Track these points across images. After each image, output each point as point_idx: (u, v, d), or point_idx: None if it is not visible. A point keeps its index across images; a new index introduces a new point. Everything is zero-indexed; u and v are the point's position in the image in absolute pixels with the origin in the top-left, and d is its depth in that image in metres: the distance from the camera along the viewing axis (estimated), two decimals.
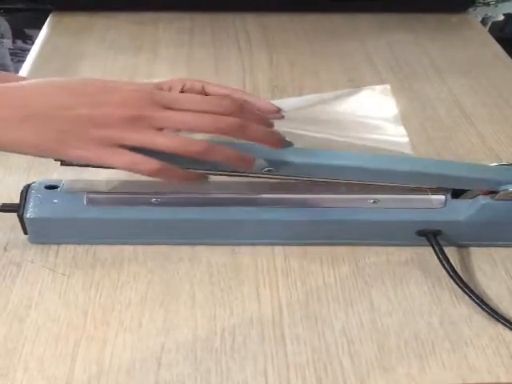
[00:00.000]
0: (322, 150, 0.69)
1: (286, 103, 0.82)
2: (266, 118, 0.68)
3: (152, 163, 0.59)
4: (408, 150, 0.71)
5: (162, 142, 0.59)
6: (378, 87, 0.83)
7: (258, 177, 0.67)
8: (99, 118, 0.58)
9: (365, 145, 0.72)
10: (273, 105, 0.81)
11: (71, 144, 0.58)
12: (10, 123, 0.57)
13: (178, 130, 0.61)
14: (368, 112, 0.79)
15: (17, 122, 0.57)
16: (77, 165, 0.63)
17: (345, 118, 0.80)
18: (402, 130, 0.75)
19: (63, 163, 0.64)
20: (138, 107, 0.59)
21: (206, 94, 0.82)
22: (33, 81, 0.60)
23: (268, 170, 0.66)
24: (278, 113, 0.81)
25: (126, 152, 0.59)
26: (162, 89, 0.75)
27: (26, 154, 0.59)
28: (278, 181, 0.70)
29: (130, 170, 0.60)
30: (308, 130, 0.74)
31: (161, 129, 0.59)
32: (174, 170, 0.61)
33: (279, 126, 0.69)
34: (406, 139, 0.73)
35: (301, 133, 0.73)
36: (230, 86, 0.89)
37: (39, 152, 0.60)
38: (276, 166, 0.66)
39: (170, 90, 0.78)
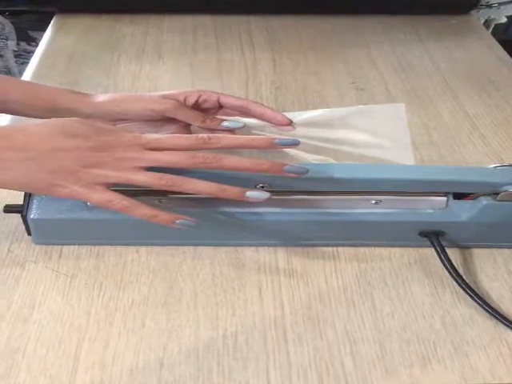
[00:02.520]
0: (319, 163, 0.69)
1: (298, 116, 0.84)
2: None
3: (123, 201, 0.65)
4: None
5: (139, 178, 0.64)
6: (392, 106, 0.84)
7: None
8: (89, 159, 0.63)
9: (365, 156, 0.72)
10: (285, 117, 0.82)
11: (59, 184, 0.63)
12: (9, 164, 0.62)
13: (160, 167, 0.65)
14: (380, 129, 0.79)
15: (14, 163, 0.62)
16: None
17: (355, 136, 0.81)
18: (409, 152, 0.75)
19: None
20: (123, 149, 0.64)
21: (221, 106, 0.84)
22: (35, 123, 0.65)
23: (262, 187, 0.68)
24: (290, 125, 0.83)
25: (104, 190, 0.64)
26: (177, 99, 0.81)
27: (10, 189, 0.65)
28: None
29: (105, 206, 0.65)
30: (315, 141, 0.75)
31: (145, 168, 0.64)
32: (142, 206, 0.66)
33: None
34: (410, 159, 0.74)
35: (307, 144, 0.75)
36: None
37: (26, 190, 0.68)
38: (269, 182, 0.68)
39: (185, 100, 0.81)
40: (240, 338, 0.64)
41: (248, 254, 0.74)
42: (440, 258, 0.71)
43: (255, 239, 0.74)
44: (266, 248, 0.74)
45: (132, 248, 0.73)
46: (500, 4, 1.56)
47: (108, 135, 0.65)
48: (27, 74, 1.11)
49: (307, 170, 0.65)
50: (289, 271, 0.72)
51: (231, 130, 0.83)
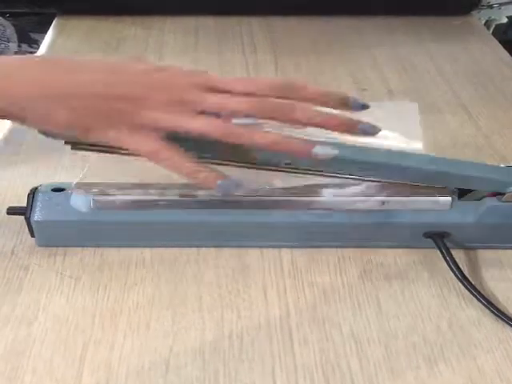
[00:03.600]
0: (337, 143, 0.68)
1: None
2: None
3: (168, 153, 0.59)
4: None
5: (196, 125, 0.58)
6: (406, 104, 0.83)
7: (276, 170, 0.67)
8: (142, 100, 0.58)
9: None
10: None
11: (110, 125, 0.58)
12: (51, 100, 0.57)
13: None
14: (391, 127, 0.79)
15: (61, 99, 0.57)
16: (88, 149, 0.64)
17: None
18: (419, 140, 0.74)
19: (75, 147, 0.64)
20: (180, 90, 0.58)
21: None
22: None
23: (286, 164, 0.66)
24: None
25: (149, 137, 0.58)
26: None
27: (54, 131, 0.60)
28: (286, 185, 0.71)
29: (149, 157, 0.59)
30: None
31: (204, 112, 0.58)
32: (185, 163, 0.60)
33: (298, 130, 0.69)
34: (420, 147, 0.73)
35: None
36: None
37: (69, 130, 0.60)
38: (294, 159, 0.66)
39: None
40: (246, 339, 0.64)
41: (252, 255, 0.73)
42: (445, 259, 0.71)
43: (259, 240, 0.74)
44: (271, 249, 0.74)
45: (136, 250, 0.73)
46: (501, 4, 1.56)
47: (159, 73, 0.59)
48: None
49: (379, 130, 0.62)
50: (294, 272, 0.72)
51: None
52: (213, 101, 0.59)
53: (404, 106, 0.83)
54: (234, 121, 0.74)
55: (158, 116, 0.58)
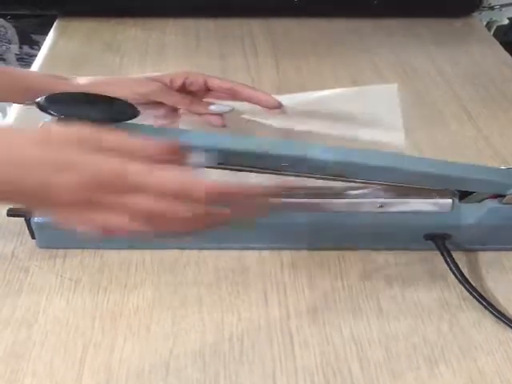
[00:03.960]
0: (335, 146, 0.68)
1: (289, 99, 0.82)
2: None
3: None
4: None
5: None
6: (385, 87, 0.83)
7: (273, 173, 0.67)
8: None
9: (358, 139, 0.72)
10: (275, 99, 0.80)
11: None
12: None
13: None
14: (371, 110, 0.78)
15: None
16: None
17: (346, 118, 0.80)
18: (401, 134, 0.74)
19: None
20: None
21: (209, 89, 0.82)
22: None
23: (283, 166, 0.66)
24: (280, 108, 0.81)
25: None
26: (162, 81, 0.78)
27: None
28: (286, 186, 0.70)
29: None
30: (307, 125, 0.74)
31: None
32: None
33: (280, 122, 0.69)
34: (401, 140, 0.73)
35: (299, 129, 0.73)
36: None
37: None
38: (291, 161, 0.65)
39: (171, 82, 0.79)
40: (246, 342, 0.64)
41: (253, 257, 0.73)
42: (446, 261, 0.71)
43: (260, 243, 0.74)
44: (271, 251, 0.74)
45: (136, 252, 0.73)
46: (502, 6, 1.56)
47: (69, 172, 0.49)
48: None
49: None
50: (294, 275, 0.72)
51: (219, 114, 0.82)
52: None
53: (383, 90, 0.83)
54: (212, 107, 0.75)
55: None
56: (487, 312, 0.67)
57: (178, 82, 0.81)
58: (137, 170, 0.50)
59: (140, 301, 0.68)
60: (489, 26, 1.57)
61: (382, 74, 1.15)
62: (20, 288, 0.69)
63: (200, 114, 0.82)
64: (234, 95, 0.83)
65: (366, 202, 0.72)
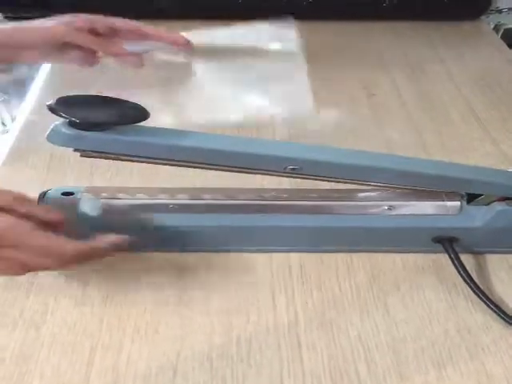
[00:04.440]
0: (344, 149, 0.68)
1: (198, 36, 0.83)
2: None
3: None
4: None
5: None
6: (282, 23, 0.84)
7: (281, 175, 0.67)
8: None
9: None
10: (183, 37, 0.81)
11: None
12: None
13: None
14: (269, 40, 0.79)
15: None
16: (96, 157, 0.65)
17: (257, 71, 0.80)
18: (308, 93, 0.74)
19: (84, 154, 0.65)
20: None
21: (116, 31, 0.85)
22: None
23: (292, 169, 0.66)
24: (188, 45, 0.84)
25: None
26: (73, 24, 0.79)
27: None
28: (294, 187, 0.70)
29: None
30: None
31: None
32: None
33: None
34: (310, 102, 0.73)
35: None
36: None
37: None
38: (300, 164, 0.65)
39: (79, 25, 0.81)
40: (254, 344, 0.64)
41: (261, 260, 0.73)
42: (454, 264, 0.71)
43: (268, 245, 0.74)
44: (279, 254, 0.74)
45: (145, 254, 0.73)
46: (510, 9, 1.56)
47: None
48: (39, 80, 1.11)
49: None
50: (302, 277, 0.72)
51: (136, 55, 0.83)
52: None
53: (280, 23, 0.84)
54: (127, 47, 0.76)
55: None
56: (495, 315, 0.67)
57: (86, 24, 0.81)
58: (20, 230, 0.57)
59: (148, 303, 0.68)
60: (496, 28, 1.56)
61: (391, 76, 1.15)
62: (29, 290, 0.69)
63: (116, 56, 0.83)
64: (142, 36, 0.85)
65: (375, 204, 0.72)
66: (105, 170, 0.86)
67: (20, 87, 1.48)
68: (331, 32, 1.33)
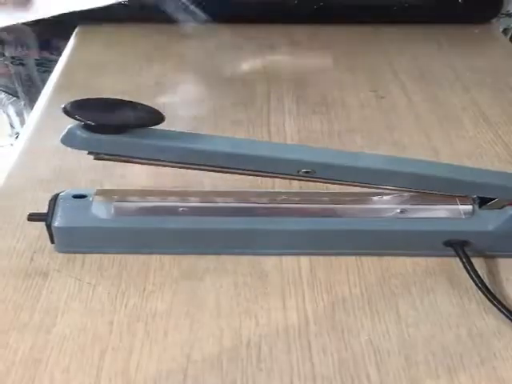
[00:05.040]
0: (357, 152, 0.68)
1: None
2: None
3: None
4: None
5: None
6: None
7: (295, 179, 0.67)
8: None
9: None
10: None
11: None
12: None
13: None
14: None
15: None
16: (110, 159, 0.64)
17: None
18: None
19: (97, 157, 0.64)
20: None
21: None
22: None
23: (305, 172, 0.65)
24: None
25: None
26: None
27: None
28: (305, 190, 0.70)
29: None
30: None
31: None
32: None
33: None
34: None
35: None
36: (255, 97, 0.88)
37: None
38: (314, 167, 0.65)
39: None
40: (264, 348, 0.64)
41: (271, 263, 0.73)
42: (465, 268, 0.70)
43: (278, 248, 0.74)
44: (289, 257, 0.74)
45: (155, 257, 0.73)
46: None
47: None
48: (50, 83, 1.11)
49: None
50: (312, 280, 0.71)
51: None
52: None
53: None
54: None
55: None
56: (507, 320, 0.66)
57: None
58: None
59: (158, 306, 0.68)
60: (505, 32, 1.56)
61: (400, 79, 1.15)
62: (39, 292, 0.69)
63: None
64: None
65: (387, 207, 0.72)
66: (115, 172, 0.86)
67: (31, 89, 1.49)
68: (340, 35, 1.33)
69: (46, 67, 1.41)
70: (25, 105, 1.56)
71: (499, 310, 0.67)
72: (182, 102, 1.04)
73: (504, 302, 0.68)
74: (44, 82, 1.16)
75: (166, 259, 0.73)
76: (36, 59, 1.42)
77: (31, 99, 1.48)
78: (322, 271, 0.72)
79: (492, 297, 0.68)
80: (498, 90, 1.13)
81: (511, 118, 1.04)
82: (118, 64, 1.18)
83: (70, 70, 1.15)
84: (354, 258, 0.74)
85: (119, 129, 0.62)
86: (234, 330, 0.65)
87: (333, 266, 0.73)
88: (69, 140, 0.62)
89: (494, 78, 1.17)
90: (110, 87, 1.08)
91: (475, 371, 0.62)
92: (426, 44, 1.30)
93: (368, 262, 0.74)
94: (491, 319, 0.67)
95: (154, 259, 0.73)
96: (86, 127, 0.61)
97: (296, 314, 0.67)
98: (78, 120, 0.60)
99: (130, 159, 0.64)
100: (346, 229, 0.72)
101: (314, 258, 0.74)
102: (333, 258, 0.74)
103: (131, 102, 0.63)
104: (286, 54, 1.25)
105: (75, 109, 0.60)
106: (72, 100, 0.61)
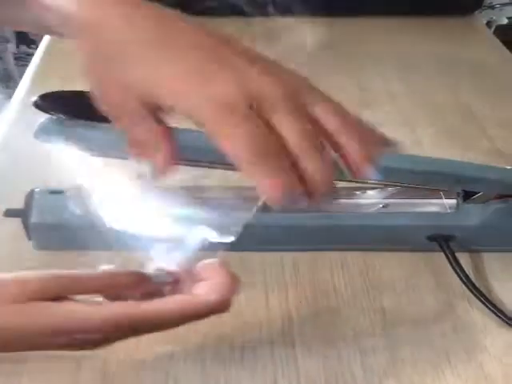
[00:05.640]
0: None
1: None
2: None
3: None
4: None
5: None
6: None
7: None
8: None
9: None
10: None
11: None
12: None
13: None
14: None
15: None
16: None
17: None
18: None
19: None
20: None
21: None
22: None
23: None
24: None
25: None
26: None
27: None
28: None
29: None
30: None
31: None
32: None
33: None
34: None
35: None
36: None
37: None
38: None
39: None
40: (247, 346, 0.63)
41: (254, 259, 0.72)
42: (450, 262, 0.70)
43: (261, 244, 0.73)
44: (273, 254, 0.73)
45: (134, 253, 0.71)
46: (502, 5, 1.56)
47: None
48: (27, 77, 1.09)
49: None
50: (296, 277, 0.71)
51: None
52: None
53: None
54: None
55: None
56: (493, 315, 0.66)
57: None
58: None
59: None
60: (488, 25, 1.56)
61: (383, 72, 1.14)
62: None
63: None
64: None
65: (370, 202, 0.71)
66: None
67: (9, 83, 1.47)
68: (322, 27, 1.31)
69: (23, 61, 1.39)
70: (3, 99, 1.54)
71: (485, 304, 0.67)
72: None
73: (489, 297, 0.67)
74: (22, 76, 1.14)
75: (143, 255, 0.71)
76: (14, 53, 1.40)
77: (9, 94, 1.47)
78: (306, 267, 0.72)
79: (477, 291, 0.67)
80: (481, 83, 1.12)
81: (495, 111, 1.03)
82: None
83: (46, 63, 1.14)
84: (337, 253, 0.73)
85: (91, 122, 0.60)
86: (216, 329, 0.64)
87: (316, 262, 0.72)
88: (41, 135, 0.60)
89: (477, 70, 1.17)
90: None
91: (461, 368, 0.61)
92: (408, 37, 1.29)
93: (352, 257, 0.73)
94: (477, 315, 0.67)
95: (133, 256, 0.71)
96: (58, 121, 0.59)
97: (279, 311, 0.67)
98: (49, 114, 0.58)
99: (105, 154, 0.62)
100: (329, 224, 0.71)
101: (297, 253, 0.73)
102: (316, 253, 0.73)
103: None
104: (263, 48, 1.23)
105: (46, 102, 0.58)
106: (43, 93, 0.59)
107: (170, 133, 0.52)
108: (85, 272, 0.55)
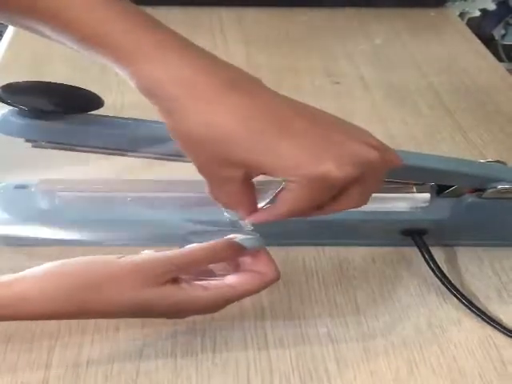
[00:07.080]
0: None
1: None
2: None
3: None
4: None
5: None
6: None
7: None
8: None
9: None
10: None
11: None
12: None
13: None
14: None
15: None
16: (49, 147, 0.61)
17: None
18: None
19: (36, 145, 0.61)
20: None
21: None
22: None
23: None
24: None
25: None
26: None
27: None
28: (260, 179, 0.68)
29: None
30: None
31: None
32: None
33: None
34: None
35: None
36: None
37: None
38: None
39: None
40: (219, 342, 0.62)
41: None
42: (424, 257, 0.69)
43: None
44: None
45: (102, 248, 0.70)
46: None
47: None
48: None
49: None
50: None
51: None
52: None
53: None
54: None
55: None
56: (467, 309, 0.66)
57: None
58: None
59: None
60: (461, 17, 1.56)
61: (355, 64, 1.14)
62: None
63: None
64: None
65: None
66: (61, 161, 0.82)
67: None
68: (294, 19, 1.31)
69: None
70: None
71: (458, 299, 0.66)
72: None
73: (463, 292, 0.67)
74: None
75: (116, 250, 0.70)
76: None
77: None
78: (278, 262, 0.70)
79: (451, 286, 0.67)
80: (454, 76, 1.12)
81: (469, 103, 1.04)
82: (63, 48, 1.14)
83: (12, 54, 1.12)
84: (310, 248, 0.73)
85: (56, 114, 0.58)
86: (187, 324, 0.63)
87: (289, 257, 0.72)
88: (2, 127, 0.58)
89: (450, 62, 1.17)
90: (56, 70, 1.05)
91: (435, 362, 0.61)
92: (380, 28, 1.29)
93: (325, 252, 0.72)
94: (451, 309, 0.66)
95: (103, 251, 0.70)
96: (21, 113, 0.57)
97: (251, 306, 0.66)
98: (11, 105, 0.56)
99: (70, 147, 0.61)
100: (302, 219, 0.70)
101: (269, 248, 0.72)
102: (289, 248, 0.72)
103: (70, 86, 0.58)
104: (235, 38, 1.22)
105: (8, 93, 0.56)
106: (5, 83, 0.57)
107: (251, 190, 0.58)
108: (189, 251, 0.56)
